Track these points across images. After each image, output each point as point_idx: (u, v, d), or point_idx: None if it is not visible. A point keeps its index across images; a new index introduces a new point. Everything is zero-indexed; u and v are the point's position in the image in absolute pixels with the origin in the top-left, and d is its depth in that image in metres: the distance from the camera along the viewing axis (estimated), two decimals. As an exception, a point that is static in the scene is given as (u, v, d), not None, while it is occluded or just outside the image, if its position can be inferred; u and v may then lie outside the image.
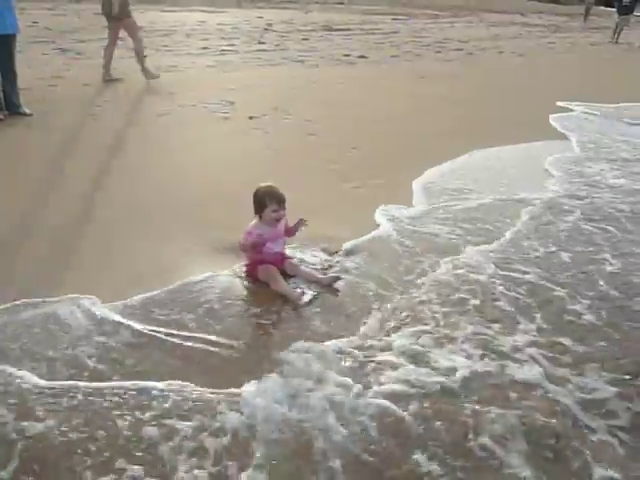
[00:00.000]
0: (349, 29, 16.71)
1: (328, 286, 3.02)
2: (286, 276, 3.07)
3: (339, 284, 3.03)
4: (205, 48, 11.49)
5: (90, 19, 14.96)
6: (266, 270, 3.01)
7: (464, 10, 28.86)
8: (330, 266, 3.24)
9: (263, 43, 12.70)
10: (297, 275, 3.11)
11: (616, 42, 18.77)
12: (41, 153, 4.98)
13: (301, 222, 3.17)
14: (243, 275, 3.09)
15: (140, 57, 7.97)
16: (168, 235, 3.53)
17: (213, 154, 5.19)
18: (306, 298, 2.87)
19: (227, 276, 3.08)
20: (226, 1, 21.40)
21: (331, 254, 3.36)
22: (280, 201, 2.99)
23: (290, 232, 3.20)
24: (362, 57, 11.73)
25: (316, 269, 3.18)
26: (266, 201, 2.98)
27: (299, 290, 2.93)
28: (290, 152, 5.35)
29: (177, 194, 4.17)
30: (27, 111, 6.04)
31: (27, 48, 9.40)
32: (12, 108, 5.96)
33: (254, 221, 3.09)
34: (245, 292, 2.96)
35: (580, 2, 38.53)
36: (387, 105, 7.66)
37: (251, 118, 6.48)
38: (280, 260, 3.12)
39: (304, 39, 13.83)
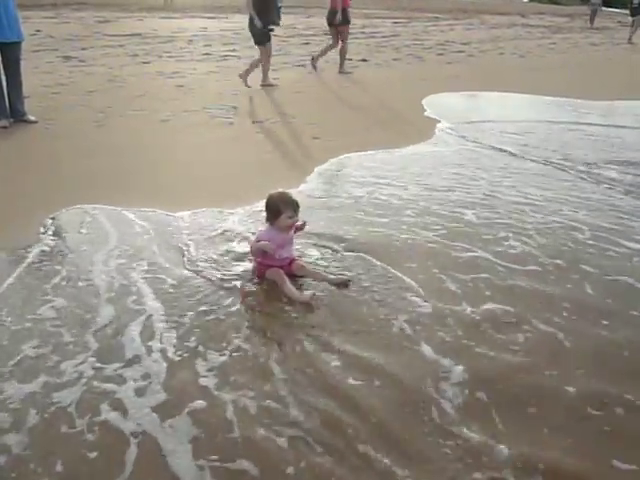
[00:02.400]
0: (350, 33, 16.73)
1: (337, 287, 3.01)
2: (294, 277, 3.06)
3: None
4: (207, 54, 11.56)
5: (92, 27, 15.09)
6: (274, 273, 3.02)
7: (464, 12, 28.95)
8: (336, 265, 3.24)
9: (265, 48, 12.73)
10: (305, 276, 3.11)
11: (629, 42, 18.93)
12: (46, 160, 5.00)
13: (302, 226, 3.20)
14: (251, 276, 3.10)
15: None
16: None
17: (217, 159, 5.19)
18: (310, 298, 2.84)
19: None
20: (227, 7, 21.52)
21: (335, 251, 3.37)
22: (295, 207, 2.98)
23: (298, 229, 3.21)
24: (363, 60, 11.78)
25: (325, 270, 3.17)
26: (281, 208, 2.96)
27: (306, 292, 2.91)
28: (295, 155, 5.36)
29: (181, 199, 4.17)
30: (32, 118, 6.08)
31: (30, 56, 9.47)
32: (17, 115, 6.00)
33: (265, 227, 3.09)
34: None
35: (582, 3, 38.25)
36: (391, 107, 7.67)
37: (254, 122, 6.50)
38: (288, 263, 3.12)
39: (305, 43, 13.90)
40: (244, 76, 8.39)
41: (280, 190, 3.06)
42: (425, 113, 7.36)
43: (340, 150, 5.46)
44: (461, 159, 5.37)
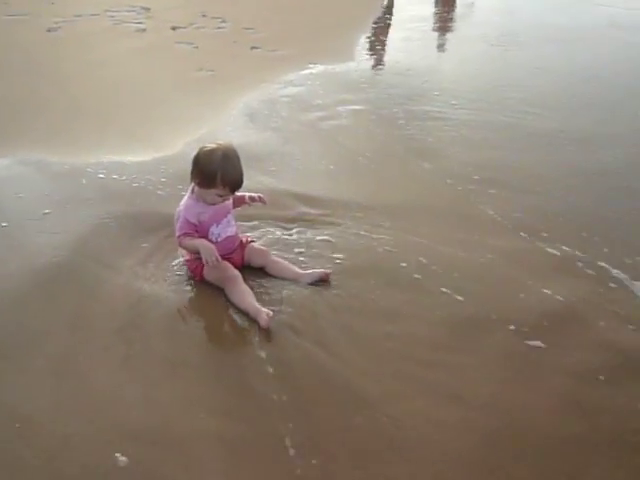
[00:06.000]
0: None
1: (311, 285, 1.99)
2: (249, 271, 2.02)
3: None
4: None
5: None
6: (217, 270, 1.93)
7: None
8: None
9: None
10: (266, 268, 2.05)
11: None
12: None
13: (261, 199, 2.10)
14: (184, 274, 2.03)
15: None
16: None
17: (123, 80, 3.88)
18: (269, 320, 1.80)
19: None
20: None
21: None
22: (235, 188, 1.93)
23: (239, 202, 2.10)
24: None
25: (296, 261, 2.11)
26: (217, 180, 1.88)
27: (265, 310, 1.81)
28: (229, 72, 4.14)
29: (70, 139, 2.96)
30: None
31: None
32: None
33: (187, 194, 1.99)
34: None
35: None
36: (348, 8, 6.30)
37: (174, 29, 5.18)
38: (236, 248, 2.05)
39: None
40: None
41: (228, 147, 1.92)
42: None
43: (288, 62, 4.24)
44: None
